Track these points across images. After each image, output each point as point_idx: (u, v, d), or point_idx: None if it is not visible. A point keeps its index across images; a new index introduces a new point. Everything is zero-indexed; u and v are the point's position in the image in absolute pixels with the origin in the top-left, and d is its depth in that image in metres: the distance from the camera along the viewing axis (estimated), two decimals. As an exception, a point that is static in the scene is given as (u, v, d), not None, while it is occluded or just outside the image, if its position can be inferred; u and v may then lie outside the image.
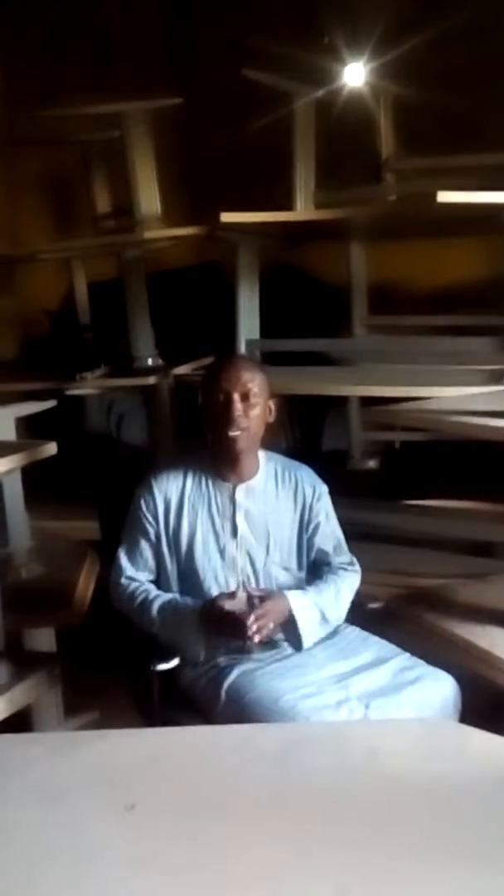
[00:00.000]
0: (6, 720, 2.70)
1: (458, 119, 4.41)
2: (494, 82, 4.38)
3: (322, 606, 2.49)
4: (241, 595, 2.39)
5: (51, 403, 3.62)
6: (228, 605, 2.37)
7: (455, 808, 1.60)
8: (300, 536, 2.59)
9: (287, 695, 2.25)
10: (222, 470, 2.53)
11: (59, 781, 1.73)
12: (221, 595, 2.42)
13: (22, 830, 1.56)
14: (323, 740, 1.91)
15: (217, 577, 2.50)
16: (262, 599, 2.39)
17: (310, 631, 2.44)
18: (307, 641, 2.44)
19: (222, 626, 2.37)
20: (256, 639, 2.32)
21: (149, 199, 4.18)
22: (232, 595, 2.40)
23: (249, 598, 2.40)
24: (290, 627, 2.44)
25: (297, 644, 2.44)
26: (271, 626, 2.37)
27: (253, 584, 2.52)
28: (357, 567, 2.64)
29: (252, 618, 2.31)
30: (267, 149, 4.19)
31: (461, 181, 3.37)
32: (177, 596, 2.50)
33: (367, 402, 3.64)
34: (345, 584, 2.57)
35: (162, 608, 2.46)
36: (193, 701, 2.47)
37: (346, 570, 2.61)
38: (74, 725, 3.15)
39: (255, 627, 2.30)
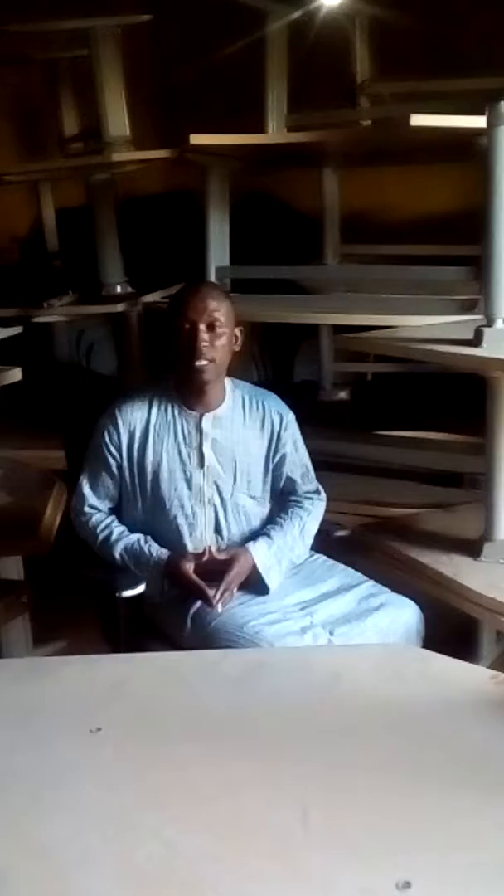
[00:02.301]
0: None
1: (436, 43, 4.32)
2: (473, 5, 4.29)
3: (287, 548, 2.50)
4: (207, 558, 2.42)
5: (16, 330, 3.56)
6: (191, 567, 2.40)
7: (415, 730, 1.62)
8: (267, 465, 2.57)
9: (252, 621, 2.26)
10: (188, 399, 2.50)
11: (25, 705, 1.74)
12: (187, 555, 2.43)
13: (-13, 752, 1.57)
14: (287, 665, 1.92)
15: (183, 507, 2.49)
16: (227, 563, 2.40)
17: (274, 580, 2.46)
18: (272, 588, 2.45)
19: (186, 589, 2.40)
20: (219, 608, 2.34)
21: (117, 120, 4.07)
22: (198, 557, 2.42)
23: (212, 558, 2.42)
24: (255, 578, 2.44)
25: (263, 592, 2.45)
26: (234, 589, 2.40)
27: (221, 514, 2.51)
28: (322, 496, 2.63)
29: (218, 593, 2.35)
30: (239, 72, 4.10)
31: (438, 106, 3.31)
32: (140, 539, 2.48)
33: (339, 331, 3.61)
34: (309, 518, 2.58)
35: (124, 552, 2.47)
36: (159, 627, 2.48)
37: (311, 499, 2.61)
38: (42, 654, 3.16)
39: (218, 597, 2.34)
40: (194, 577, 2.39)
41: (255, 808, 1.41)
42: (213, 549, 2.46)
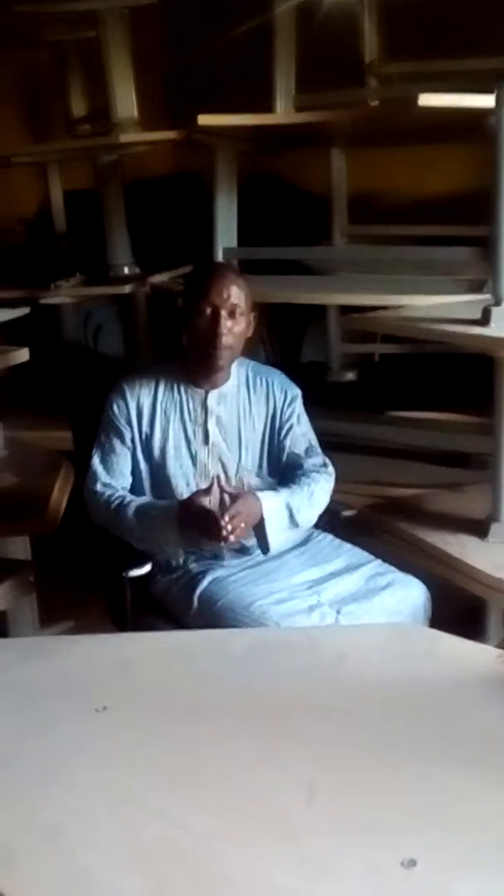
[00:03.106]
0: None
1: (444, 23, 4.28)
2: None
3: (294, 507, 2.46)
4: (216, 490, 2.36)
5: (24, 311, 3.57)
6: (203, 501, 2.34)
7: (422, 709, 1.63)
8: (272, 441, 2.57)
9: (259, 600, 2.26)
10: (195, 377, 2.50)
11: (32, 685, 1.75)
12: (197, 492, 2.39)
13: (-5, 731, 1.57)
14: (294, 645, 1.93)
15: (189, 484, 2.49)
16: (234, 498, 2.36)
17: (277, 534, 2.43)
18: (274, 545, 2.43)
19: (197, 524, 2.35)
20: (231, 538, 2.30)
21: (125, 102, 4.06)
22: (207, 491, 2.37)
23: (222, 494, 2.37)
24: (259, 530, 2.42)
25: (264, 547, 2.44)
26: (243, 525, 2.34)
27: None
28: (330, 469, 2.60)
29: (226, 517, 2.28)
30: (248, 54, 4.07)
31: (447, 86, 3.29)
32: (152, 499, 2.49)
33: (347, 312, 3.60)
34: (318, 487, 2.53)
35: (138, 511, 2.43)
36: (166, 607, 2.49)
37: (318, 472, 2.56)
38: (50, 634, 3.17)
39: (229, 527, 2.28)
40: (205, 507, 2.33)
41: (262, 788, 1.41)
42: (222, 479, 2.43)
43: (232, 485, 2.47)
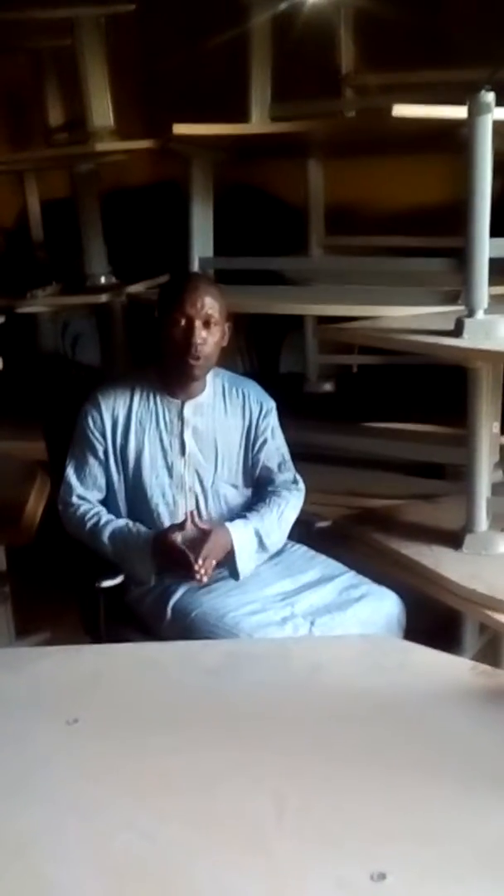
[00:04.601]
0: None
1: (421, 34, 4.30)
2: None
3: (263, 533, 2.48)
4: (189, 526, 2.39)
5: (-1, 320, 3.55)
6: (177, 537, 2.36)
7: (394, 721, 1.62)
8: (247, 453, 2.57)
9: (232, 612, 2.26)
10: (172, 387, 2.50)
11: (2, 695, 1.73)
12: (172, 527, 2.41)
13: (-37, 743, 1.56)
14: (267, 656, 1.92)
15: (165, 495, 2.49)
16: (206, 534, 2.38)
17: (246, 563, 2.45)
18: (243, 573, 2.45)
19: (172, 561, 2.37)
20: (204, 579, 2.33)
21: (101, 110, 4.06)
22: (181, 526, 2.39)
23: (194, 525, 2.40)
24: (230, 559, 2.44)
25: (235, 575, 2.45)
26: (214, 563, 2.38)
27: (202, 503, 2.51)
28: (301, 486, 2.62)
29: (200, 561, 2.32)
30: (224, 63, 4.08)
31: (423, 97, 3.30)
32: (128, 523, 2.48)
33: (323, 322, 3.60)
34: (288, 506, 2.56)
35: (113, 535, 2.45)
36: (140, 618, 2.48)
37: (289, 489, 2.59)
38: (25, 645, 3.15)
39: (202, 570, 2.32)
40: (182, 546, 2.35)
41: (232, 799, 1.41)
42: (195, 515, 2.44)
43: (206, 499, 2.50)
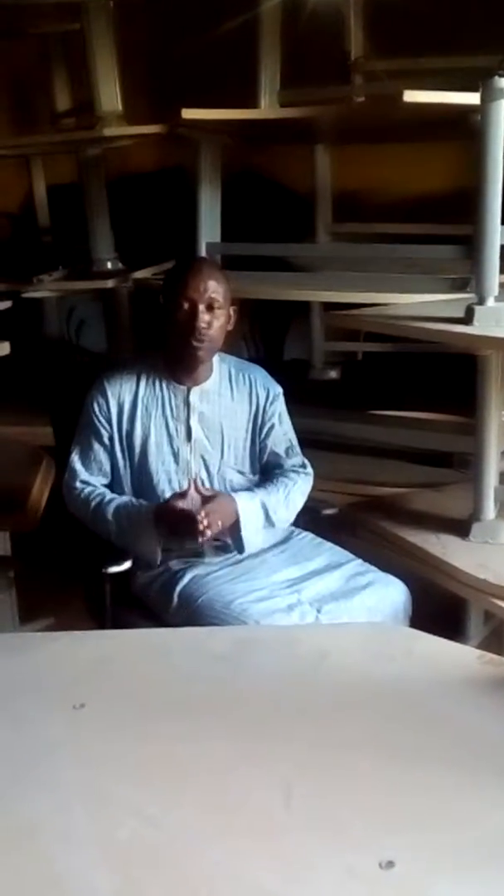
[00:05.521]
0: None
1: (430, 20, 4.27)
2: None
3: (270, 507, 2.48)
4: (193, 493, 2.37)
5: (5, 304, 3.54)
6: (180, 503, 2.35)
7: (401, 709, 1.62)
8: (253, 439, 2.57)
9: (239, 598, 2.26)
10: (178, 373, 2.50)
11: (8, 681, 1.73)
12: (174, 495, 2.40)
13: (-31, 728, 1.56)
14: (273, 643, 1.92)
15: (171, 481, 2.49)
16: (210, 498, 2.37)
17: (252, 534, 2.45)
18: (249, 544, 2.44)
19: (175, 525, 2.36)
20: (208, 533, 2.32)
21: (109, 95, 4.04)
22: (183, 494, 2.38)
23: (199, 496, 2.38)
24: (235, 530, 2.43)
25: (240, 546, 2.44)
26: (220, 523, 2.36)
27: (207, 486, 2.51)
28: (309, 470, 2.62)
29: (202, 513, 2.30)
30: (233, 48, 4.05)
31: (432, 83, 3.28)
32: (131, 499, 2.48)
33: (330, 309, 3.59)
34: (295, 487, 2.56)
35: (117, 511, 2.44)
36: (146, 604, 2.48)
37: (297, 472, 2.59)
38: (29, 631, 3.15)
39: (205, 522, 2.30)
40: (182, 507, 2.34)
41: (239, 787, 1.40)
42: (198, 482, 2.42)
43: (213, 484, 2.48)
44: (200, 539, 2.34)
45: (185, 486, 2.44)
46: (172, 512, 2.35)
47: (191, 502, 2.36)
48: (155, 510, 2.40)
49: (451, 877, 1.21)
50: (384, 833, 1.29)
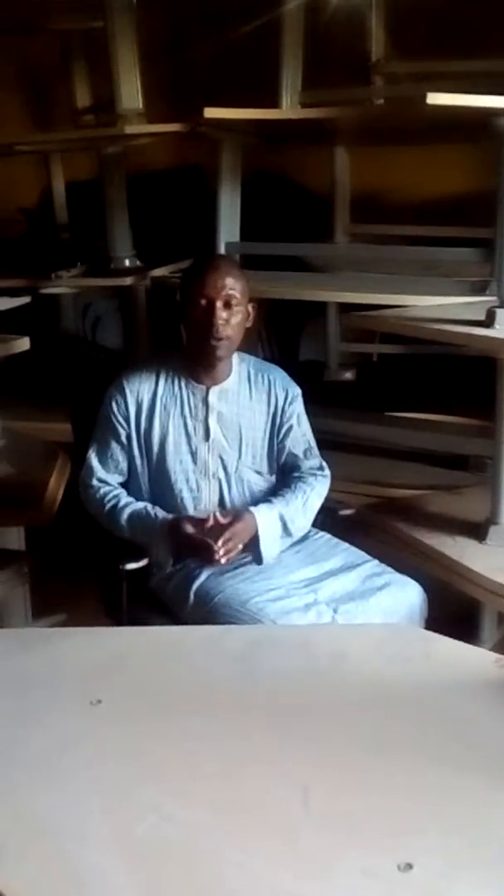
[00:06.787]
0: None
1: (452, 23, 4.27)
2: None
3: (287, 518, 2.48)
4: (211, 521, 2.38)
5: (24, 300, 3.55)
6: (190, 528, 2.37)
7: (418, 711, 1.62)
8: (272, 439, 2.57)
9: (255, 597, 2.25)
10: (196, 372, 2.49)
11: (25, 676, 1.74)
12: (191, 518, 2.41)
13: (-13, 722, 1.56)
14: (290, 642, 1.92)
15: (188, 481, 2.49)
16: (231, 523, 2.38)
17: (271, 547, 2.44)
18: (267, 558, 2.44)
19: (190, 549, 2.38)
20: (223, 561, 2.33)
21: (130, 93, 4.04)
22: (202, 521, 2.38)
23: (217, 522, 2.39)
24: (253, 544, 2.43)
25: (258, 560, 2.44)
26: (240, 547, 2.38)
27: (225, 489, 2.51)
28: (326, 472, 2.62)
29: (220, 542, 2.32)
30: (255, 49, 4.05)
31: (453, 86, 3.27)
32: (147, 506, 2.48)
33: (346, 310, 3.58)
34: (313, 493, 2.56)
35: (130, 519, 2.45)
36: (162, 601, 2.48)
37: (315, 475, 2.59)
38: (41, 626, 3.15)
39: (222, 551, 2.32)
40: (196, 533, 2.36)
41: (256, 786, 1.40)
42: (218, 515, 2.42)
43: (230, 484, 2.51)
44: (215, 563, 2.34)
45: (203, 489, 2.47)
46: (188, 537, 2.37)
47: (208, 528, 2.37)
48: (169, 526, 2.41)
49: (469, 879, 1.21)
50: (402, 835, 1.29)
